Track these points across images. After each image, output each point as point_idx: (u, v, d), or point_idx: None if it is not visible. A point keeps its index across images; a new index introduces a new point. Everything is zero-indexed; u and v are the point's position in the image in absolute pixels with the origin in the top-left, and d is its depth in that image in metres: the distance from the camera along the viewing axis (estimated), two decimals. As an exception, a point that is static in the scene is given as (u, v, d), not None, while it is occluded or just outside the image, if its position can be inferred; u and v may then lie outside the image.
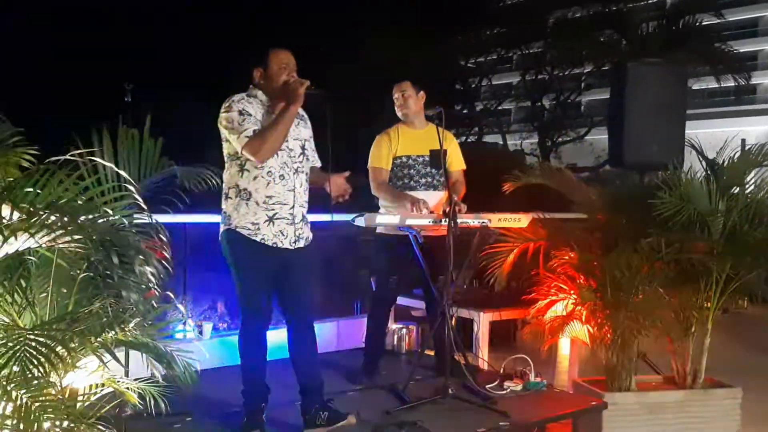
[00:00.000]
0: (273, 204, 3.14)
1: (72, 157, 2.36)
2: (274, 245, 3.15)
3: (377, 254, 4.19)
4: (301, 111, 3.28)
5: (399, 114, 4.16)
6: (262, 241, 3.13)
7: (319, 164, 3.41)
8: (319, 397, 3.26)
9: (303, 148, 3.27)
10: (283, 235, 3.16)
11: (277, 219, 3.15)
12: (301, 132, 3.27)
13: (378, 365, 4.16)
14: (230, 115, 3.09)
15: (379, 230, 4.02)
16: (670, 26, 17.14)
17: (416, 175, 4.09)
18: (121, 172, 2.60)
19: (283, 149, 3.15)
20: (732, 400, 4.01)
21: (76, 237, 2.16)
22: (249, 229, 3.14)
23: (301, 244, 3.23)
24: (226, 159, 3.22)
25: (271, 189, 3.14)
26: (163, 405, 2.57)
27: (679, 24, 16.92)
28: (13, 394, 2.06)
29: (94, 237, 2.24)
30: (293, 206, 3.19)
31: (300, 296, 3.26)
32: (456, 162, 4.21)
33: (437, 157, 3.99)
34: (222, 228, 3.22)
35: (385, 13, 19.07)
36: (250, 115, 3.11)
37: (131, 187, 2.55)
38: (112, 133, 2.81)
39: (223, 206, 3.22)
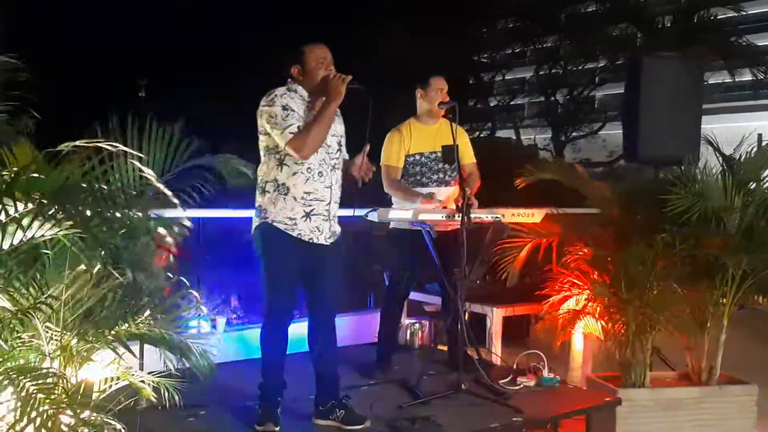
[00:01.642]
0: (311, 200, 3.14)
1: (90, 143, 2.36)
2: (310, 241, 3.16)
3: (390, 249, 4.19)
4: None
5: (433, 106, 4.08)
6: (299, 236, 3.14)
7: (347, 157, 3.41)
8: (335, 392, 3.26)
9: (339, 144, 3.27)
10: (319, 230, 3.17)
11: (314, 215, 3.15)
12: (337, 128, 3.26)
13: (391, 360, 4.16)
14: (273, 109, 3.08)
15: (392, 225, 4.02)
16: (685, 20, 16.97)
17: (428, 172, 4.08)
18: (146, 169, 2.58)
19: (321, 146, 3.14)
20: (748, 397, 3.98)
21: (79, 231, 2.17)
22: (286, 224, 3.13)
23: (333, 239, 3.24)
24: (263, 152, 3.20)
25: (310, 185, 3.13)
26: (177, 398, 2.59)
27: (694, 18, 16.75)
28: (27, 387, 2.07)
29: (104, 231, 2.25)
30: (329, 202, 3.19)
31: (327, 291, 3.27)
32: (467, 155, 4.20)
33: (450, 153, 3.97)
34: (257, 222, 3.21)
35: (397, 7, 19.03)
36: (293, 110, 3.09)
37: (150, 177, 2.54)
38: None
39: (259, 200, 3.21)
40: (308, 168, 3.13)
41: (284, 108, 3.07)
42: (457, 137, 4.02)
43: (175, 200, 2.53)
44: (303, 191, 3.13)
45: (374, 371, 4.02)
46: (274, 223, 3.14)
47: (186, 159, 2.85)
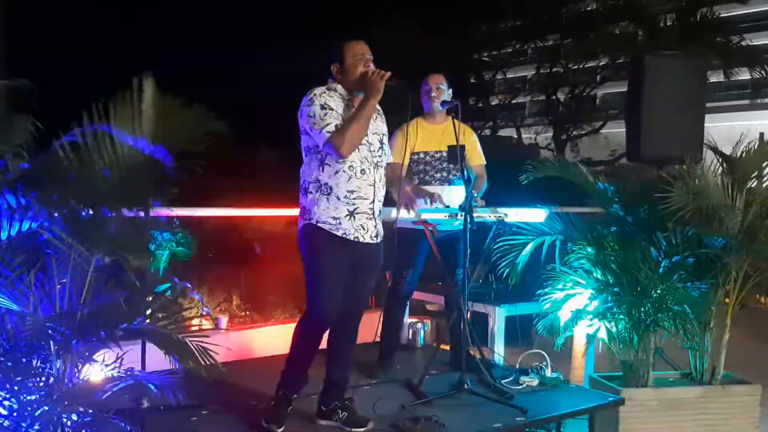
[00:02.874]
0: (354, 199, 3.09)
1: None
2: (356, 239, 3.11)
3: (393, 248, 4.16)
4: (377, 105, 3.24)
5: (428, 105, 4.09)
6: (344, 236, 3.09)
7: (390, 160, 3.39)
8: (340, 394, 3.24)
9: (381, 142, 3.23)
10: (364, 229, 3.13)
11: (357, 213, 3.11)
12: (379, 126, 3.23)
13: (393, 359, 4.15)
14: (312, 109, 3.05)
15: (398, 224, 4.00)
16: (686, 19, 16.94)
17: (432, 170, 4.07)
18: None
19: (363, 143, 3.10)
20: (751, 397, 3.97)
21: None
22: (330, 224, 3.09)
23: (378, 239, 3.21)
24: (304, 152, 3.17)
25: (353, 183, 3.09)
26: (179, 398, 2.58)
27: (696, 16, 16.72)
28: (18, 386, 2.07)
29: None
30: (373, 201, 3.15)
31: (361, 293, 3.25)
32: (475, 157, 4.19)
33: (455, 153, 3.95)
34: (301, 223, 3.18)
35: (398, 6, 19.01)
36: (332, 109, 3.05)
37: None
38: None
39: (302, 201, 3.18)
40: (350, 166, 3.08)
41: (322, 107, 3.04)
42: (465, 138, 4.01)
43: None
44: (346, 190, 3.08)
45: (376, 370, 4.01)
46: (318, 224, 3.10)
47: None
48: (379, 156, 3.20)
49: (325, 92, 3.11)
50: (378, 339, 4.30)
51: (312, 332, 3.18)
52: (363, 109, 3.05)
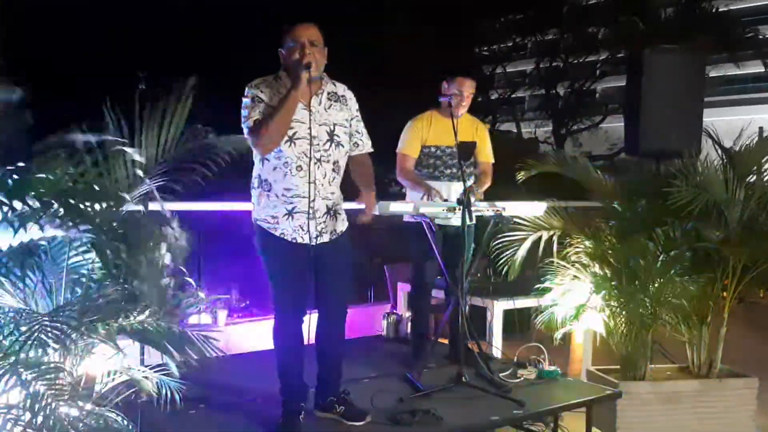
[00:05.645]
0: (291, 197, 2.92)
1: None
2: (293, 240, 2.95)
3: (411, 242, 4.10)
4: (341, 90, 3.06)
5: (452, 108, 3.93)
6: (282, 236, 2.96)
7: (366, 149, 3.15)
8: (334, 390, 3.21)
9: (332, 134, 2.97)
10: (303, 230, 2.95)
11: (296, 213, 2.93)
12: (331, 116, 2.98)
13: (426, 351, 4.10)
14: (245, 101, 2.91)
15: (406, 218, 4.00)
16: (688, 11, 16.92)
17: (441, 166, 4.06)
18: (137, 157, 2.53)
19: (302, 137, 2.89)
20: (748, 390, 3.98)
21: (84, 228, 2.15)
22: (269, 223, 2.96)
23: (325, 239, 3.00)
24: None
25: (289, 181, 2.90)
26: (177, 393, 2.58)
27: (696, 9, 16.70)
28: (28, 380, 2.07)
29: (104, 228, 2.24)
30: (314, 199, 2.93)
31: (329, 291, 3.09)
32: (483, 153, 4.17)
33: (466, 150, 3.92)
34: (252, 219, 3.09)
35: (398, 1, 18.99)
36: (262, 101, 2.88)
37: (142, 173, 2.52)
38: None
39: (251, 197, 3.08)
40: (285, 162, 2.88)
41: (253, 99, 2.88)
42: (478, 134, 4.00)
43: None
44: (283, 188, 2.91)
45: (413, 362, 3.91)
46: (258, 222, 3.00)
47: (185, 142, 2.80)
48: (325, 150, 2.94)
49: (262, 83, 2.94)
50: (375, 333, 4.31)
51: (283, 331, 3.06)
52: (282, 102, 2.82)
